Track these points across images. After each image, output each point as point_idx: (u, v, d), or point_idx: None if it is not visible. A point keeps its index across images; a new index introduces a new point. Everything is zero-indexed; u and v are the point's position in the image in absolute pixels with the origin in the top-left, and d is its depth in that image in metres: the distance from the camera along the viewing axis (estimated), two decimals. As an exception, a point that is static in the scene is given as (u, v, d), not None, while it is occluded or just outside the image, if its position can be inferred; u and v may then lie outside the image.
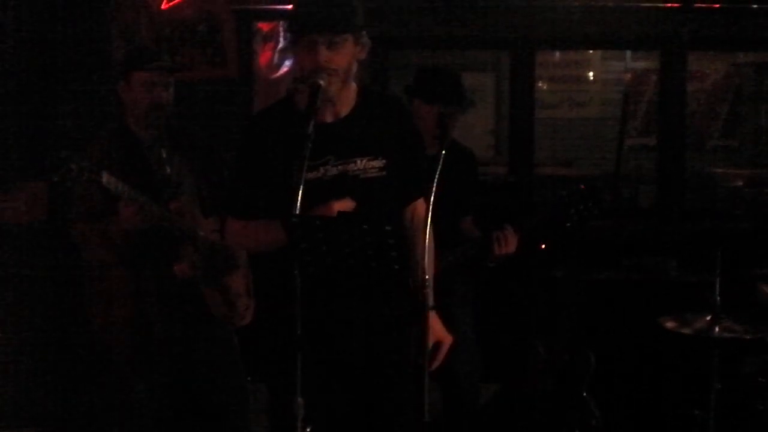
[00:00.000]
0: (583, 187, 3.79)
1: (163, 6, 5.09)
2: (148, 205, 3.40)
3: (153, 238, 3.51)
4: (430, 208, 2.79)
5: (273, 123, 2.92)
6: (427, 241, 2.78)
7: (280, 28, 5.19)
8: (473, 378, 4.25)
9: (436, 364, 2.94)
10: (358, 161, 2.88)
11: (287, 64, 5.08)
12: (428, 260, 2.82)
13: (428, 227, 2.77)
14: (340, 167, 2.86)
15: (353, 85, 2.92)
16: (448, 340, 3.00)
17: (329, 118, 2.86)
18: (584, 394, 4.29)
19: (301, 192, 2.52)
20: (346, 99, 2.89)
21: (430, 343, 2.86)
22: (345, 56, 2.77)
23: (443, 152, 2.93)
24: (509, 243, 3.86)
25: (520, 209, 4.19)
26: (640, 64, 6.78)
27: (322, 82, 2.71)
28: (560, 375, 4.30)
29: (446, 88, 3.95)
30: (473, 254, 3.94)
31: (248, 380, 3.99)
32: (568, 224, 3.82)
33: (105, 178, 3.26)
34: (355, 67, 2.87)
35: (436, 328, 2.93)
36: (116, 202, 3.38)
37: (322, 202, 2.73)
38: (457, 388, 4.17)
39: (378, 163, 2.90)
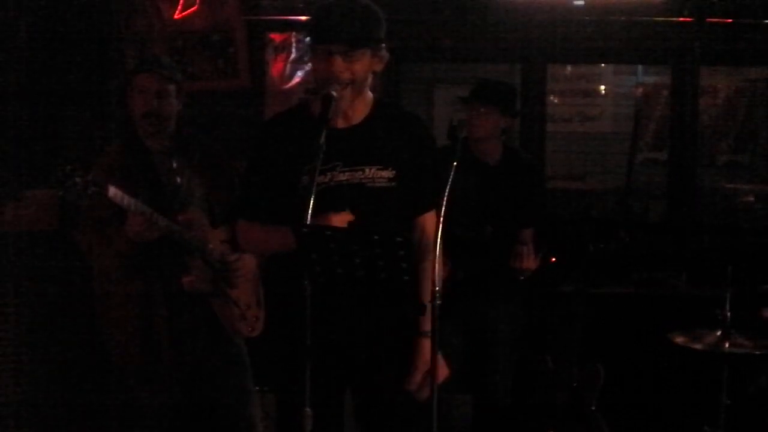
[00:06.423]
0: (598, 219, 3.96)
1: (176, 15, 5.11)
2: (155, 218, 3.39)
3: (160, 249, 3.51)
4: (441, 221, 2.78)
5: (287, 127, 2.92)
6: (437, 255, 2.75)
7: (293, 39, 5.20)
8: (506, 382, 4.33)
9: (423, 394, 2.86)
10: (367, 170, 2.86)
11: (299, 75, 5.10)
12: (438, 275, 2.73)
13: (438, 241, 2.73)
14: (347, 174, 2.84)
15: (368, 95, 2.91)
16: (444, 372, 2.90)
17: (341, 124, 2.84)
18: (593, 408, 4.28)
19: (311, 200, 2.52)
20: (359, 107, 2.88)
21: (421, 372, 2.86)
22: (360, 68, 2.76)
23: (455, 163, 2.92)
24: (525, 259, 3.97)
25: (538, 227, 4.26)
26: (652, 79, 6.76)
27: (334, 93, 2.70)
28: (569, 389, 4.29)
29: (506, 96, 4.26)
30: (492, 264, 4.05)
31: (257, 390, 3.99)
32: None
33: (111, 191, 3.25)
34: (370, 78, 2.85)
35: (427, 357, 2.77)
36: (124, 211, 3.38)
37: (326, 208, 2.71)
38: (490, 391, 4.29)
39: (387, 174, 2.88)
